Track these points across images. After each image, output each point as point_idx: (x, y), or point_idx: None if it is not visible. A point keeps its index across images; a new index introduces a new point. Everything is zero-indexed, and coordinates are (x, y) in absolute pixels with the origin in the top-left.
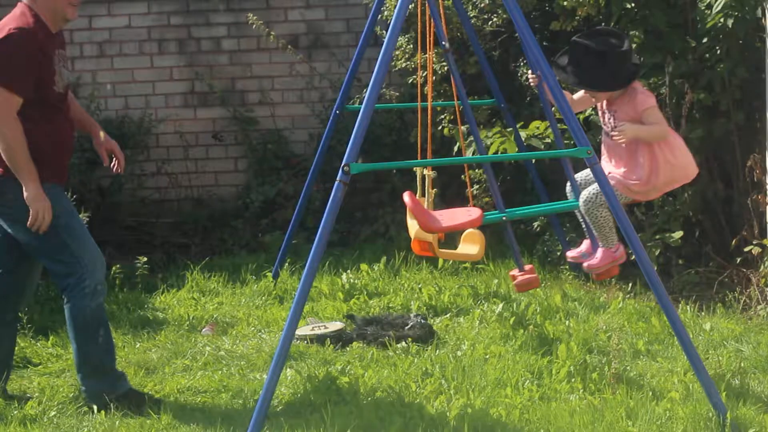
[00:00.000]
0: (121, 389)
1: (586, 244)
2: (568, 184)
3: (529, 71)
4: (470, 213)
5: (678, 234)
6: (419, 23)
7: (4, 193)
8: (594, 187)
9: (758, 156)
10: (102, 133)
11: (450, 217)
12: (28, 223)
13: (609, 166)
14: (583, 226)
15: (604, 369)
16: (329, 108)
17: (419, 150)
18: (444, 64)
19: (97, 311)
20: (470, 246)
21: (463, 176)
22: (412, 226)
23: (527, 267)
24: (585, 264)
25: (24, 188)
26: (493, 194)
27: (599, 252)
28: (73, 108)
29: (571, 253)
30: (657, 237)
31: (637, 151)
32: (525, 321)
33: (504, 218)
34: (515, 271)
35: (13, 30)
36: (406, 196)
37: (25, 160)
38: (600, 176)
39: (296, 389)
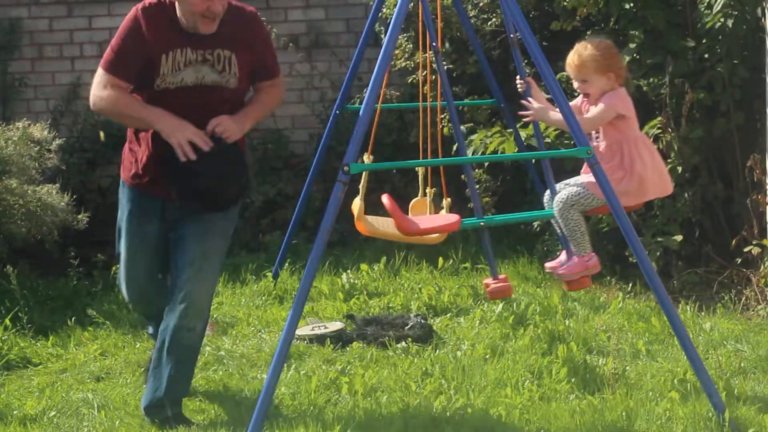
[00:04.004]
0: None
1: (563, 254)
2: (547, 192)
3: (517, 77)
4: (448, 218)
5: (678, 238)
6: (420, 22)
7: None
8: (567, 190)
9: (758, 156)
10: None
11: (428, 220)
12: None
13: (585, 175)
14: (559, 234)
15: (604, 369)
16: (329, 108)
17: (421, 150)
18: (444, 63)
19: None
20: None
21: (463, 176)
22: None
23: (501, 276)
24: (557, 273)
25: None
26: (472, 198)
27: (571, 261)
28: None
29: (549, 264)
30: (659, 239)
31: (616, 152)
32: (525, 321)
33: (482, 224)
34: (489, 279)
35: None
36: (385, 198)
37: (137, 110)
38: (600, 176)
39: (296, 389)
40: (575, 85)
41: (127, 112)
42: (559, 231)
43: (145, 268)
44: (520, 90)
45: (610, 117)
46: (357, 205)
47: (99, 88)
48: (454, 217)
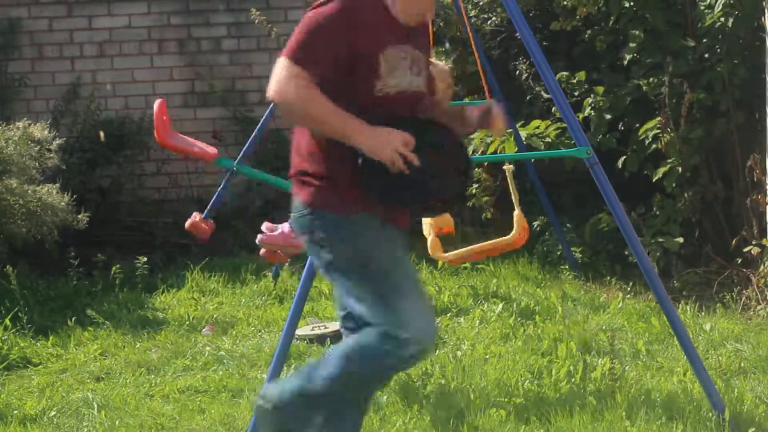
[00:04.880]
0: None
1: (285, 226)
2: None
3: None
4: (208, 148)
5: (678, 240)
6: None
7: (312, 232)
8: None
9: (758, 156)
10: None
11: (188, 141)
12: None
13: None
14: None
15: (604, 369)
16: None
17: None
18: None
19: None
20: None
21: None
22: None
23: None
24: (259, 238)
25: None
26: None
27: (281, 229)
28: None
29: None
30: (660, 240)
31: None
32: (525, 321)
33: (234, 169)
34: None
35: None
36: (156, 105)
37: (333, 117)
38: (600, 177)
39: None
40: None
41: (322, 118)
42: None
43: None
44: None
45: None
46: (433, 244)
47: (286, 82)
48: (212, 150)
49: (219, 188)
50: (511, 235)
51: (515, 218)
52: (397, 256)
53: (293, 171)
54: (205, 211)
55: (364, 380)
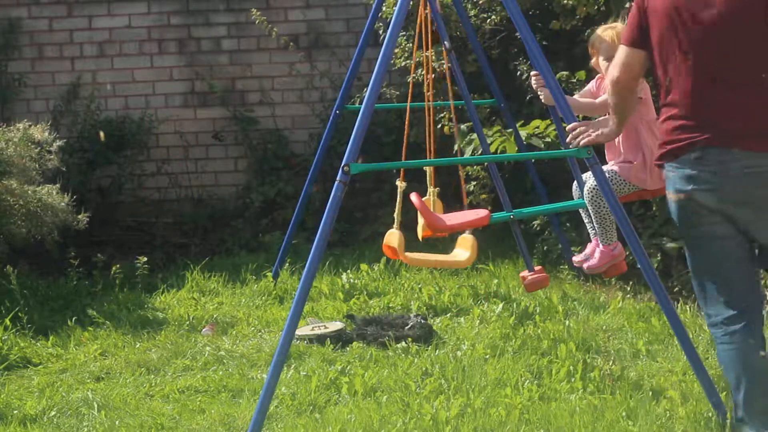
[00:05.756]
0: None
1: (589, 247)
2: (575, 183)
3: (533, 71)
4: (478, 213)
5: (674, 246)
6: (420, 20)
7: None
8: (594, 181)
9: None
10: None
11: (458, 217)
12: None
13: (611, 162)
14: (588, 225)
15: (604, 369)
16: (329, 108)
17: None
18: (443, 62)
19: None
20: (461, 251)
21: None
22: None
23: (537, 267)
24: (585, 266)
25: None
26: (499, 192)
27: (597, 252)
28: None
29: (576, 258)
30: (661, 239)
31: (631, 132)
32: (525, 321)
33: (512, 217)
34: (525, 272)
35: None
36: (414, 197)
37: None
38: (599, 176)
39: (296, 389)
40: (602, 65)
41: None
42: (588, 222)
43: None
44: (535, 86)
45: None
46: (396, 238)
47: None
48: (483, 212)
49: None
50: (466, 258)
51: (470, 242)
52: None
53: None
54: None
55: None
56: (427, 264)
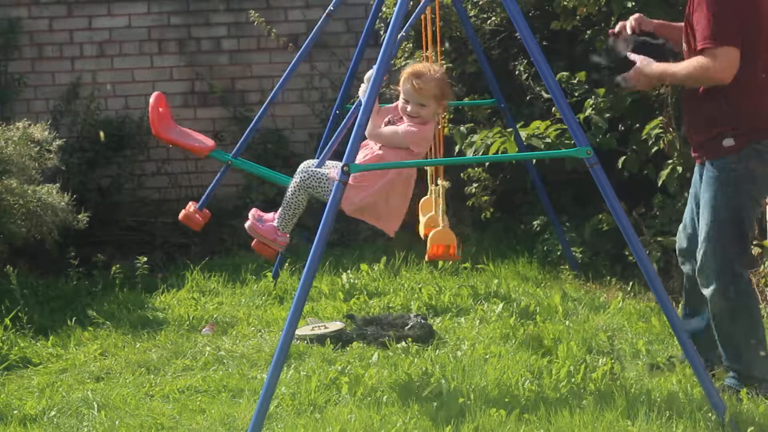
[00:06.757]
0: None
1: (272, 215)
2: (311, 161)
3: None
4: (206, 141)
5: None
6: (424, 21)
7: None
8: (314, 171)
9: None
10: None
11: (187, 134)
12: None
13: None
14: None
15: (604, 369)
16: (329, 108)
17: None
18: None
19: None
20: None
21: (462, 174)
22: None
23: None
24: (248, 223)
25: None
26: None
27: (269, 225)
28: None
29: (254, 212)
30: (659, 239)
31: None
32: (525, 321)
33: (229, 162)
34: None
35: None
36: (152, 97)
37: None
38: (600, 177)
39: (296, 389)
40: (410, 108)
41: None
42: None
43: None
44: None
45: (402, 146)
46: (450, 235)
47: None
48: (210, 143)
49: (214, 180)
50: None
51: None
52: None
53: None
54: (200, 203)
55: None
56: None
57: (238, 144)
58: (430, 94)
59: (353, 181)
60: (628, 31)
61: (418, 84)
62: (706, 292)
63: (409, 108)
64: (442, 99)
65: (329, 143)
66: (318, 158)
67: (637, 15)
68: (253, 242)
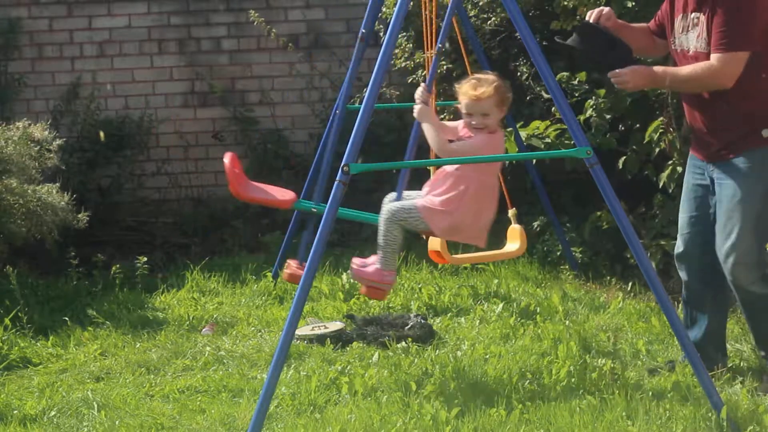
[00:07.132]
0: None
1: (373, 257)
2: (392, 194)
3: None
4: (284, 194)
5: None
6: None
7: None
8: (399, 205)
9: None
10: None
11: (264, 190)
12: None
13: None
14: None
15: (604, 369)
16: (329, 108)
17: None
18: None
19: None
20: (511, 243)
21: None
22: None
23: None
24: (354, 268)
25: None
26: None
27: (372, 268)
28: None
29: (357, 260)
30: (661, 243)
31: (456, 185)
32: (525, 321)
33: (313, 210)
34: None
35: None
36: (227, 158)
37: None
38: (600, 177)
39: (296, 389)
40: (475, 121)
41: None
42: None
43: None
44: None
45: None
46: (437, 241)
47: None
48: (290, 195)
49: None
50: (516, 248)
51: (518, 232)
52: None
53: None
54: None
55: None
56: (477, 260)
57: (303, 190)
58: (492, 102)
59: (439, 206)
60: (591, 20)
61: (478, 94)
62: (744, 283)
63: (474, 121)
64: (502, 105)
65: (401, 174)
66: (396, 191)
67: (606, 9)
68: (362, 289)
